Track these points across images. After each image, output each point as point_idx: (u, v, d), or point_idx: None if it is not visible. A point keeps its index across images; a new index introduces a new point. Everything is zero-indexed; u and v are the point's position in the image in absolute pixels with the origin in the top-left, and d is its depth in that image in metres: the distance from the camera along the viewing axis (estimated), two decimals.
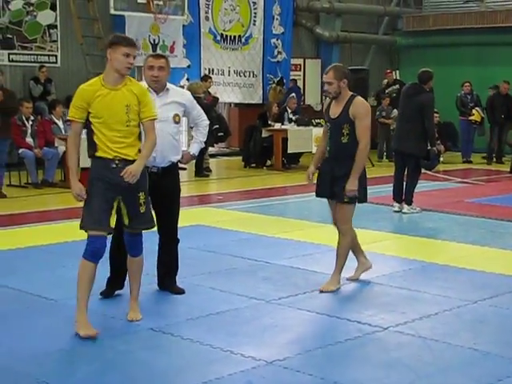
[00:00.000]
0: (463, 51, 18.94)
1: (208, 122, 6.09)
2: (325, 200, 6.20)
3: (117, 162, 4.91)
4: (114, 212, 4.95)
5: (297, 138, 14.45)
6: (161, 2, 14.90)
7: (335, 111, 6.00)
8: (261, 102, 17.60)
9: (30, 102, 12.28)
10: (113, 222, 4.97)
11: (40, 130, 12.07)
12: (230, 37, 17.17)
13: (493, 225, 9.02)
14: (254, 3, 17.50)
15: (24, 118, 11.96)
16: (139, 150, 5.00)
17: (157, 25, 15.15)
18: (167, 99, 5.65)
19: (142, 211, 5.05)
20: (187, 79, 16.02)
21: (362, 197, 6.07)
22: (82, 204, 5.00)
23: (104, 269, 5.47)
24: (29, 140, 11.97)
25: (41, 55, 14.44)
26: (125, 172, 4.87)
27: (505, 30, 18.12)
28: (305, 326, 5.33)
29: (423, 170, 10.32)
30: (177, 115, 5.68)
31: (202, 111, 6.02)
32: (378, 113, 16.58)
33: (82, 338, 4.79)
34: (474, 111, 16.49)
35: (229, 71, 17.18)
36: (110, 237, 5.17)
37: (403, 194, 9.84)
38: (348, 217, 6.05)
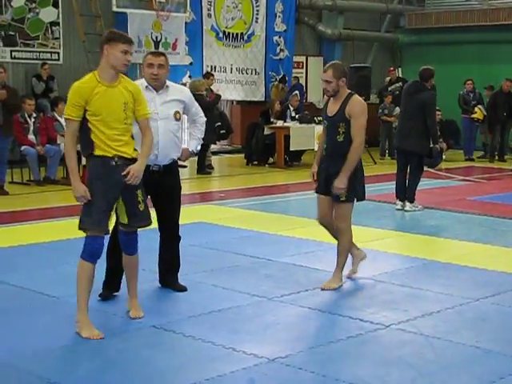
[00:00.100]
0: (466, 49, 18.93)
1: (205, 119, 6.08)
2: None
3: (116, 159, 4.88)
4: (113, 213, 4.94)
5: (299, 136, 14.45)
6: (163, 0, 14.90)
7: (332, 109, 6.00)
8: (263, 99, 17.59)
9: (32, 99, 12.29)
10: (111, 223, 4.96)
11: (42, 127, 12.07)
12: (233, 34, 17.16)
13: (495, 223, 9.02)
14: (257, 0, 17.49)
15: (26, 115, 11.96)
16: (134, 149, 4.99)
17: (159, 22, 15.14)
18: (167, 97, 5.64)
19: (141, 209, 5.03)
20: (189, 76, 16.01)
21: (360, 195, 6.08)
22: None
23: (102, 269, 5.46)
24: (31, 137, 11.97)
25: (43, 52, 14.44)
26: (127, 172, 4.86)
27: (507, 27, 18.10)
28: (307, 324, 5.33)
29: (425, 168, 10.31)
30: (177, 112, 5.67)
31: (199, 108, 6.02)
32: (380, 110, 16.59)
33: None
34: (476, 109, 16.47)
35: (231, 68, 17.17)
36: (107, 236, 5.16)
37: (406, 193, 9.84)
38: (346, 215, 6.05)
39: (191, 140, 5.99)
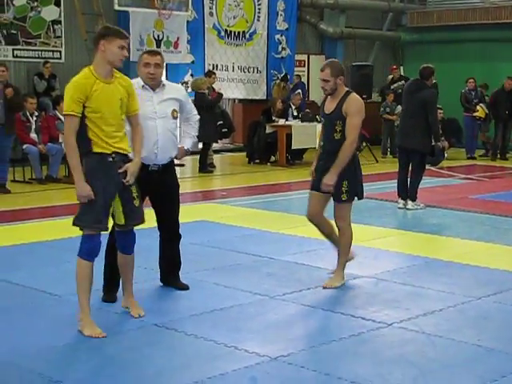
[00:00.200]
0: (467, 47, 18.91)
1: (198, 117, 6.05)
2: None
3: (113, 156, 4.86)
4: (111, 211, 4.92)
5: (301, 134, 14.45)
6: None
7: (329, 107, 6.00)
8: (265, 97, 17.58)
9: (34, 98, 12.29)
10: (109, 222, 4.95)
11: (44, 125, 12.08)
12: (234, 32, 17.15)
13: (497, 221, 9.01)
14: None
15: (28, 113, 11.97)
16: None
17: (161, 20, 15.14)
18: (164, 95, 5.60)
19: (136, 205, 5.00)
20: (191, 75, 16.01)
21: (360, 194, 6.08)
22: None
23: (101, 266, 5.45)
24: (33, 136, 11.98)
25: (45, 51, 14.45)
26: (124, 171, 4.85)
27: (509, 26, 18.08)
28: (309, 322, 5.33)
29: (427, 166, 10.31)
30: (175, 111, 5.64)
31: (193, 106, 6.00)
32: (382, 109, 16.59)
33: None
34: (478, 107, 16.46)
35: (233, 67, 17.17)
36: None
37: (408, 191, 9.84)
38: (345, 214, 6.06)
39: (186, 138, 5.93)
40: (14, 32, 14.03)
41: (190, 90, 15.35)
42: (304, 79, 18.54)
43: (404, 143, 9.74)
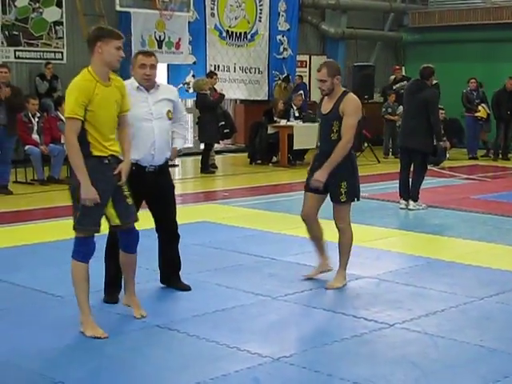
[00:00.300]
0: (469, 47, 18.90)
1: (187, 117, 6.03)
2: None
3: (109, 158, 4.85)
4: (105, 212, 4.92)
5: (302, 135, 14.44)
6: None
7: (326, 107, 5.99)
8: (266, 98, 17.58)
9: (36, 99, 12.30)
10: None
11: (46, 126, 12.08)
12: (236, 33, 17.16)
13: (499, 221, 9.01)
14: (260, 0, 17.49)
15: (30, 114, 11.98)
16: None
17: (162, 21, 15.14)
18: (159, 96, 5.58)
19: (129, 203, 4.98)
20: (193, 76, 16.03)
21: (359, 194, 6.07)
22: None
23: (97, 266, 5.44)
24: (35, 137, 11.98)
25: (47, 52, 14.46)
26: (119, 172, 4.85)
27: (511, 26, 18.06)
28: (311, 323, 5.33)
29: (429, 166, 10.31)
30: (169, 111, 5.62)
31: (183, 107, 5.98)
32: (383, 109, 16.58)
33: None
34: (479, 107, 16.45)
35: (234, 68, 17.17)
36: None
37: (410, 192, 9.83)
38: (345, 215, 6.06)
39: (177, 139, 5.88)
40: (16, 33, 14.04)
41: (191, 90, 15.40)
42: (306, 80, 18.53)
43: (406, 143, 9.74)
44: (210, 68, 16.33)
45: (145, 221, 5.66)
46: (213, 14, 16.70)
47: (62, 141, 11.90)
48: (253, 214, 9.41)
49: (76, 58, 14.47)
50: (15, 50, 14.05)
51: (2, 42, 13.87)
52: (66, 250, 7.05)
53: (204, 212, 9.39)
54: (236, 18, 17.15)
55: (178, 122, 5.87)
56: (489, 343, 4.78)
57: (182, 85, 16.04)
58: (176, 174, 13.56)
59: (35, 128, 12.02)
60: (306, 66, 19.00)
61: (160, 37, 15.30)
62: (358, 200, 6.11)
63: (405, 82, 16.60)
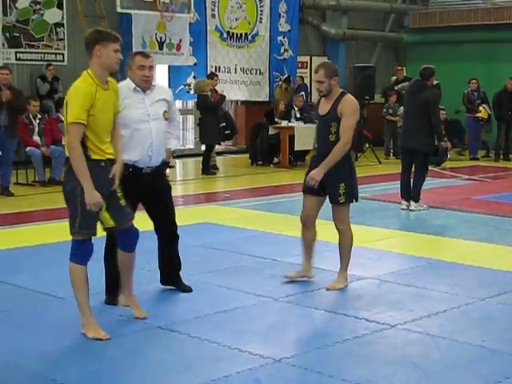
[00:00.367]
0: (470, 48, 18.89)
1: (180, 117, 6.02)
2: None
3: (106, 161, 4.85)
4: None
5: (303, 136, 14.43)
6: (167, 0, 14.90)
7: (324, 108, 5.98)
8: (267, 99, 17.59)
9: (37, 101, 12.32)
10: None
11: (47, 128, 12.10)
12: (237, 34, 17.16)
13: (500, 222, 9.01)
14: (261, 1, 17.49)
15: (31, 116, 11.99)
16: None
17: (163, 23, 15.15)
18: (155, 97, 5.56)
19: (123, 204, 4.96)
20: (194, 77, 16.03)
21: (357, 195, 6.07)
22: None
23: (96, 267, 5.44)
24: (36, 138, 12.00)
25: (48, 53, 14.46)
26: (113, 174, 4.84)
27: (511, 26, 18.07)
28: (312, 324, 5.33)
29: (430, 167, 10.31)
30: (166, 112, 5.61)
31: (176, 107, 5.97)
32: (384, 110, 16.58)
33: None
34: (480, 108, 16.45)
35: (235, 69, 17.17)
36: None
37: (411, 192, 9.83)
38: (344, 216, 6.07)
39: (171, 139, 5.85)
40: (17, 35, 14.04)
41: (192, 92, 15.40)
42: (306, 81, 18.52)
43: (407, 144, 9.74)
44: (211, 69, 16.33)
45: (146, 222, 5.67)
46: (213, 16, 16.71)
47: (63, 142, 11.91)
48: (254, 215, 9.41)
49: (77, 59, 14.46)
50: (16, 52, 14.06)
51: (3, 44, 13.87)
52: (67, 251, 7.06)
53: (205, 213, 9.39)
54: (237, 19, 17.15)
55: (172, 123, 5.85)
56: (490, 344, 4.78)
57: (182, 86, 16.06)
58: (177, 175, 13.59)
59: (36, 129, 12.03)
60: (306, 67, 18.99)
61: (161, 38, 15.31)
62: (357, 201, 6.11)
63: (407, 82, 16.62)
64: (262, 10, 17.56)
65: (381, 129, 16.89)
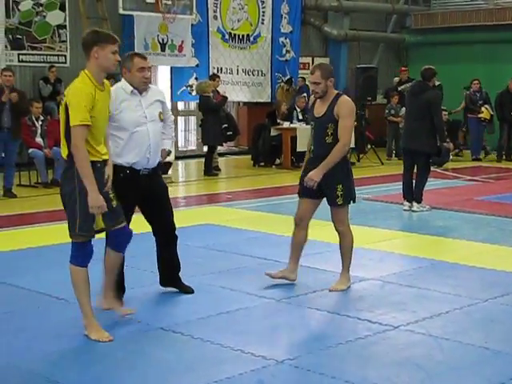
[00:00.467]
0: (472, 49, 18.88)
1: (173, 117, 6.02)
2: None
3: (101, 161, 4.84)
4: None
5: (306, 137, 14.28)
6: (169, 2, 14.90)
7: (320, 110, 5.95)
8: (269, 100, 17.59)
9: (39, 102, 12.34)
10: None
11: (50, 129, 12.10)
12: (239, 36, 17.17)
13: (503, 223, 9.00)
14: (263, 2, 17.49)
15: (34, 117, 12.00)
16: None
17: (165, 24, 15.16)
18: (150, 99, 5.55)
19: (114, 205, 4.92)
20: (196, 78, 16.03)
21: (354, 197, 6.06)
22: None
23: (96, 268, 5.44)
24: (38, 140, 12.02)
25: (50, 55, 14.48)
26: (108, 177, 4.85)
27: None
28: (315, 325, 5.33)
29: (433, 168, 10.31)
30: (161, 113, 5.60)
31: (168, 108, 5.96)
32: (386, 111, 16.57)
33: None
34: (483, 109, 16.44)
35: (237, 70, 17.17)
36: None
37: (413, 193, 9.83)
38: (343, 218, 6.06)
39: (165, 140, 5.81)
40: (20, 37, 14.06)
41: (194, 93, 15.41)
42: (308, 82, 18.53)
43: (409, 145, 9.73)
44: (213, 70, 16.33)
45: (146, 224, 5.68)
46: (215, 17, 16.72)
47: (61, 144, 11.91)
48: (256, 217, 9.41)
49: (79, 61, 14.41)
50: (19, 54, 14.08)
51: (6, 46, 13.90)
52: (69, 253, 7.07)
53: (207, 214, 9.39)
54: (239, 21, 17.16)
55: (165, 123, 5.82)
56: (493, 345, 4.78)
57: (184, 87, 16.07)
58: (179, 176, 13.60)
59: (39, 131, 12.06)
60: (308, 69, 18.91)
61: (163, 40, 15.32)
62: (354, 202, 6.10)
63: (410, 83, 16.61)
64: (263, 12, 17.56)
65: (383, 130, 16.88)
